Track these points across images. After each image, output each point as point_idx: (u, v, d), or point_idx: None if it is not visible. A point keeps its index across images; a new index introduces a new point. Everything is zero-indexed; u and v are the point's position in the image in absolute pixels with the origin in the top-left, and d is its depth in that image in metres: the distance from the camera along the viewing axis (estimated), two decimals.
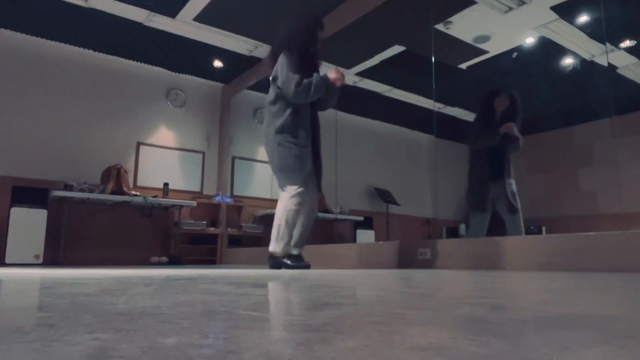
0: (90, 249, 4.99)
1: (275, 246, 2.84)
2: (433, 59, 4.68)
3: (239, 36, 5.04)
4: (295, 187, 2.79)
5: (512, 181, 3.67)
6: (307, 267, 2.80)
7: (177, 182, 5.73)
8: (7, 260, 4.18)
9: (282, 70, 2.81)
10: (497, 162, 3.67)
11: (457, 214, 7.49)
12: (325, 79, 2.80)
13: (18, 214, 4.31)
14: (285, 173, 2.83)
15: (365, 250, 3.44)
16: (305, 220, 2.80)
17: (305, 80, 2.75)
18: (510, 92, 3.75)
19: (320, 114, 3.04)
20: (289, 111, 2.83)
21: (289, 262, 2.79)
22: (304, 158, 2.80)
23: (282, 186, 2.89)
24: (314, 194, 2.87)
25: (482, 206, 3.66)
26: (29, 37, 4.98)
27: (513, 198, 3.62)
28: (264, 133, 2.97)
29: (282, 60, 2.84)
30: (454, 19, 4.60)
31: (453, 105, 6.64)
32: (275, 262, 2.85)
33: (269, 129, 2.89)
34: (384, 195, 7.10)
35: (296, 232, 2.81)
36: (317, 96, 2.82)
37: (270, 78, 2.96)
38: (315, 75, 2.81)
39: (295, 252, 2.81)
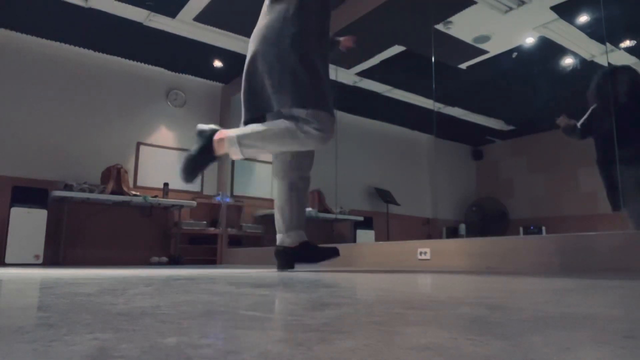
0: (90, 249, 4.99)
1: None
2: (433, 59, 4.68)
3: (239, 36, 5.05)
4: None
5: None
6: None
7: (177, 182, 5.72)
8: (7, 260, 4.18)
9: None
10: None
11: (457, 214, 7.49)
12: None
13: (18, 214, 4.31)
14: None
15: (365, 250, 3.43)
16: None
17: None
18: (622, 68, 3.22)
19: None
20: None
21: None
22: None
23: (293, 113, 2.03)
24: None
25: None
26: (29, 37, 4.98)
27: None
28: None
29: None
30: (454, 19, 4.60)
31: (453, 105, 6.65)
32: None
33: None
34: (384, 195, 7.10)
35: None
36: None
37: None
38: None
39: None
